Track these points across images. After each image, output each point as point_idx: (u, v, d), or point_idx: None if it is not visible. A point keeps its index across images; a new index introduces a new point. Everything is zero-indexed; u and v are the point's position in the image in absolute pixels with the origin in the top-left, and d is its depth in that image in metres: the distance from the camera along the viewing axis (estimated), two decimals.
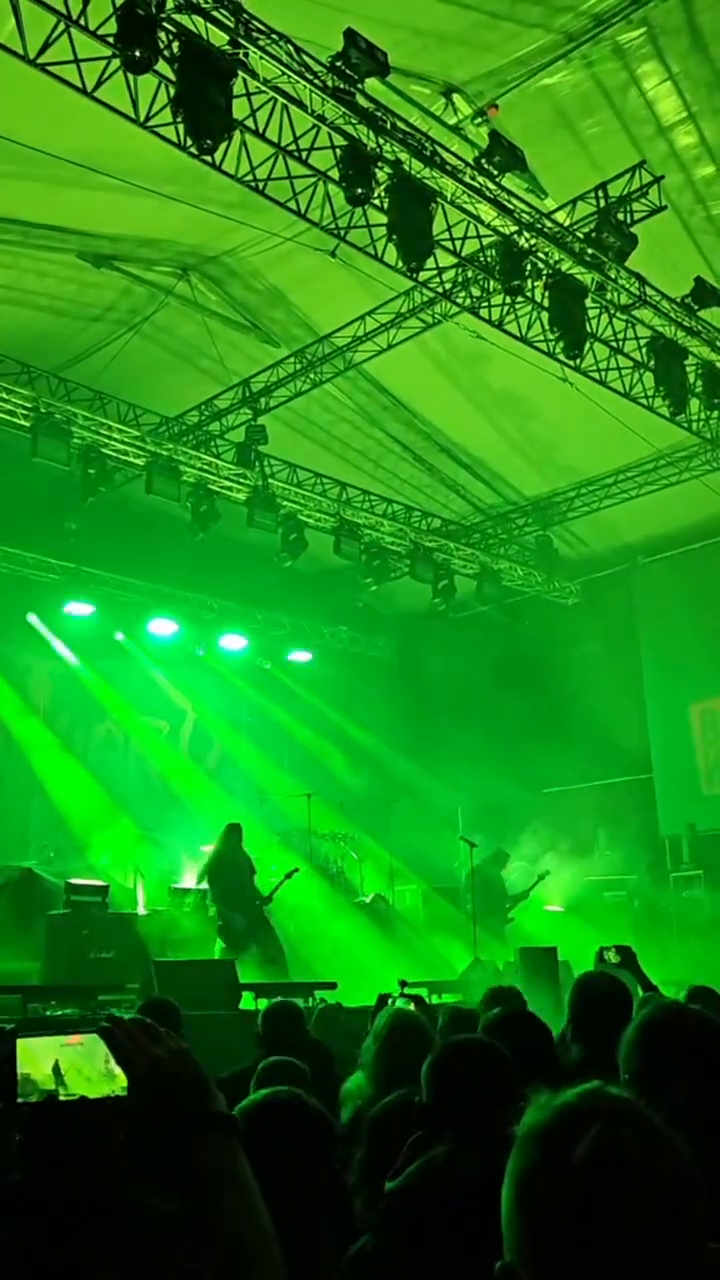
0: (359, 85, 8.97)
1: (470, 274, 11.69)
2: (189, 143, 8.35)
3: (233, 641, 18.58)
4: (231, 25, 8.41)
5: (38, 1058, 1.71)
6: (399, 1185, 2.77)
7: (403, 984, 5.74)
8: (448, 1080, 2.88)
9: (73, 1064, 1.70)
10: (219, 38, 8.42)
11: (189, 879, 14.91)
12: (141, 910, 13.47)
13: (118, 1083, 1.63)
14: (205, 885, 12.36)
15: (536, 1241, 1.23)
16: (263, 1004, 6.50)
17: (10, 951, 11.30)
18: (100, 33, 7.85)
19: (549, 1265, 1.21)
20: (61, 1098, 1.69)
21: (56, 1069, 1.71)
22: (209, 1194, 1.48)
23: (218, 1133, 1.52)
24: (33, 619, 16.58)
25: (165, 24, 8.10)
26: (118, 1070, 1.61)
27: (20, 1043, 1.72)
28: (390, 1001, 5.22)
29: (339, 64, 8.73)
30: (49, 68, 7.93)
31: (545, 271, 11.02)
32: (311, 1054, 4.74)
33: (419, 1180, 2.74)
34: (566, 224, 10.91)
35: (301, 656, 19.52)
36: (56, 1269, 1.74)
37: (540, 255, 10.92)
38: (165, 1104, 1.54)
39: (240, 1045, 5.60)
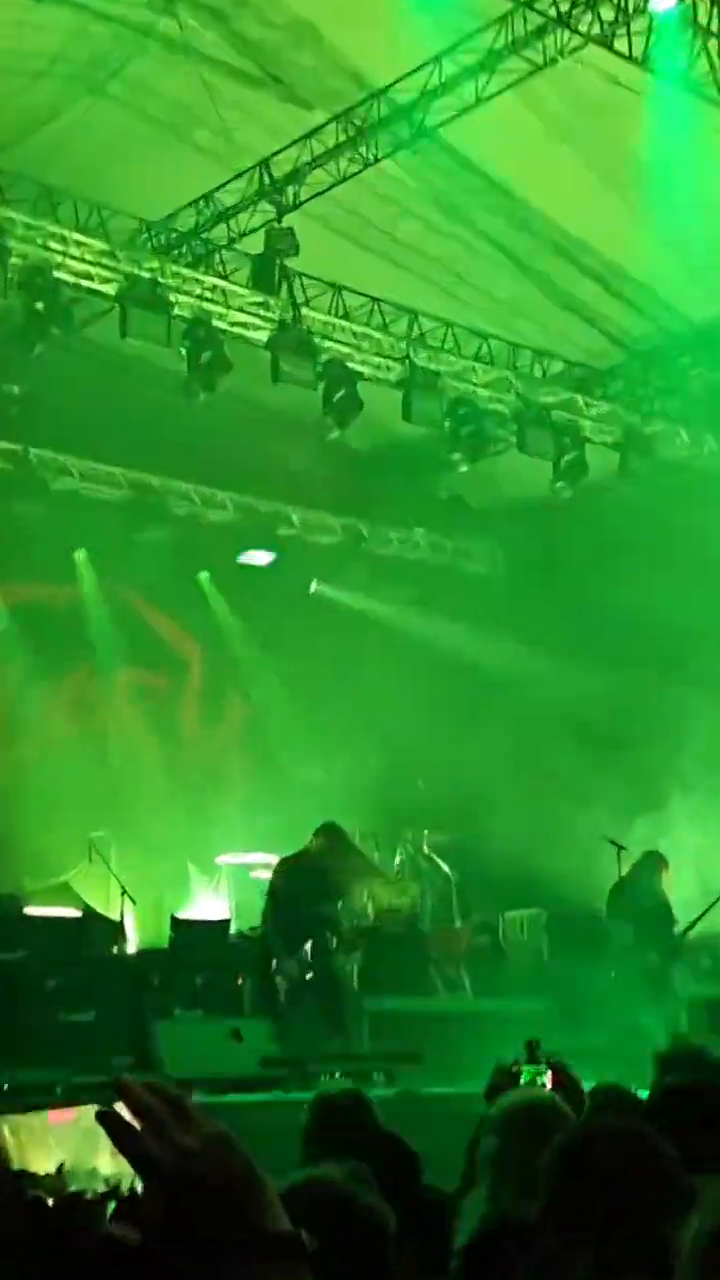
0: None
1: None
2: None
3: (256, 557, 18.82)
4: None
5: (34, 1139, 1.81)
6: None
7: (532, 1046, 5.73)
8: (582, 1180, 2.91)
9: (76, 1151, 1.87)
10: None
11: (203, 904, 15.82)
12: (131, 950, 14.05)
13: (124, 1174, 1.65)
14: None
15: None
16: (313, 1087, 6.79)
17: None
18: None
19: None
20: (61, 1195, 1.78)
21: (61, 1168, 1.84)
22: None
23: (282, 1262, 1.47)
24: None
25: None
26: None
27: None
28: (515, 1071, 5.33)
29: None
30: None
31: None
32: (384, 1156, 4.74)
33: None
34: None
35: (360, 574, 19.62)
36: None
37: None
38: (200, 1219, 1.46)
39: (280, 1146, 5.31)
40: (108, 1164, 1.96)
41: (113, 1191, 1.86)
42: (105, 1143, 1.52)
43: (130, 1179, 1.55)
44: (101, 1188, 1.88)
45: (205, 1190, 1.47)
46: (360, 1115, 5.40)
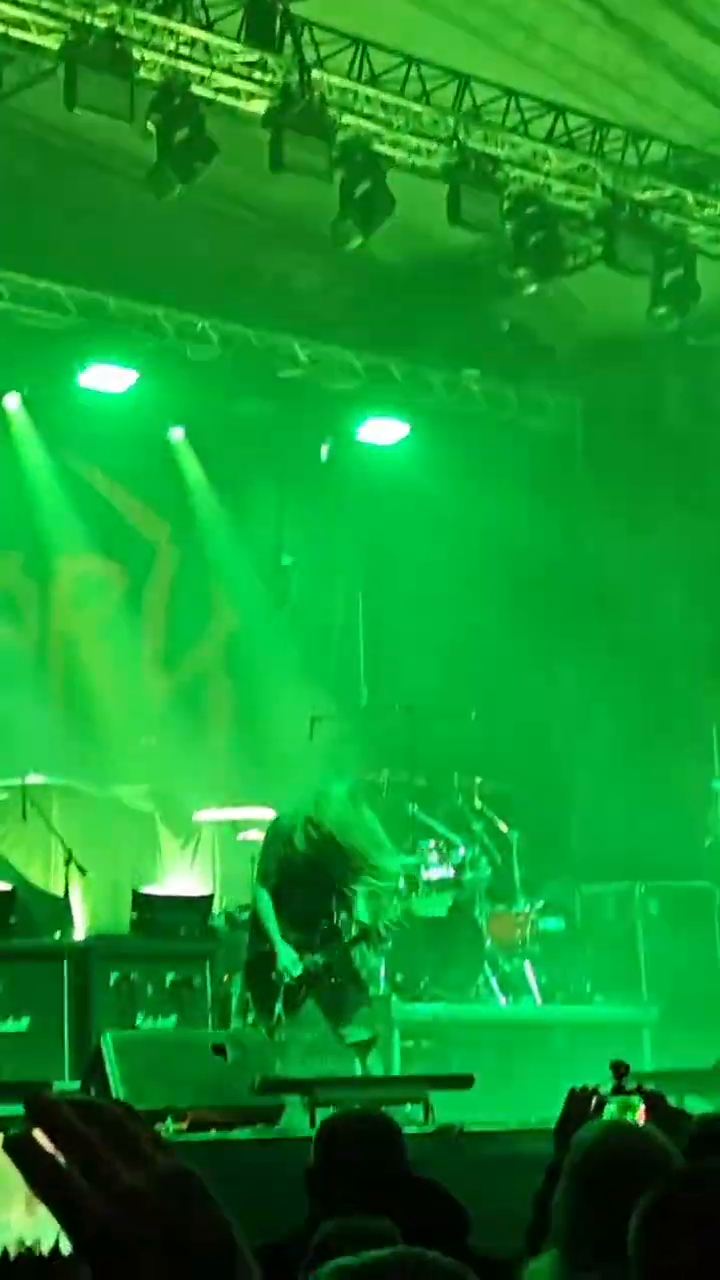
0: None
1: None
2: None
3: (250, 404, 18.51)
4: None
5: None
6: None
7: (620, 1070, 6.02)
8: (676, 1242, 3.08)
9: None
10: None
11: (176, 876, 16.07)
12: (80, 936, 14.12)
13: (43, 1229, 1.93)
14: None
15: None
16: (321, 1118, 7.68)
17: None
18: None
19: None
20: None
21: None
22: None
23: None
24: None
25: None
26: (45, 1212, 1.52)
27: None
28: (595, 1102, 5.55)
29: None
30: None
31: None
32: (419, 1209, 4.98)
33: None
34: None
35: (389, 431, 19.35)
36: None
37: None
38: None
39: (277, 1193, 5.89)
40: (21, 1216, 1.97)
41: (28, 1255, 1.84)
42: (18, 1185, 1.48)
43: (54, 1236, 1.41)
44: (13, 1249, 1.85)
45: (156, 1254, 1.43)
46: (385, 1148, 5.56)
